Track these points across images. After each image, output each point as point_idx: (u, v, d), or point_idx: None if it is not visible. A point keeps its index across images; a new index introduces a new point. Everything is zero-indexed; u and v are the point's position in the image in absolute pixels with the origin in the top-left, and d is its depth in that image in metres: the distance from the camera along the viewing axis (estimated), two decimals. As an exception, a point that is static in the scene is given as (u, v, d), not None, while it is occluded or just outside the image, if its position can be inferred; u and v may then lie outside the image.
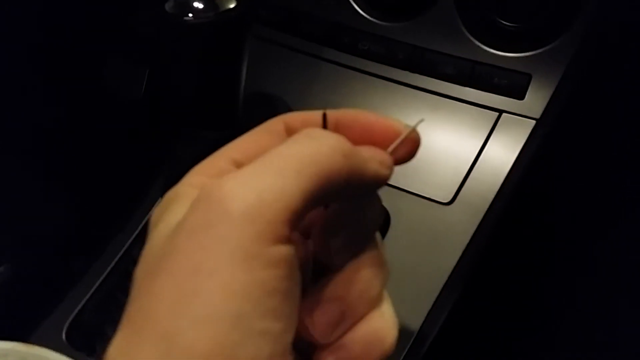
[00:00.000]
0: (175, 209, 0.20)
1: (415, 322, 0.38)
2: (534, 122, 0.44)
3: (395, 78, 0.48)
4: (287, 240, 0.18)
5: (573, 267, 0.52)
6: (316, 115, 0.22)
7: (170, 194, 0.21)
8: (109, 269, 0.46)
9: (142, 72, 0.57)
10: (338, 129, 0.22)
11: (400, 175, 0.46)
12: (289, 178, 0.18)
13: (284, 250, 0.18)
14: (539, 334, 0.51)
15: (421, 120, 0.22)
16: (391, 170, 0.22)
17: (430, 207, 0.43)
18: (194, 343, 0.16)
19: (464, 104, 0.46)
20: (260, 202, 0.17)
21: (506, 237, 0.44)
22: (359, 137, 0.22)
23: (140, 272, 0.19)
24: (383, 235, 0.36)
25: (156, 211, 0.21)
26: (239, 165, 0.21)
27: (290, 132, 0.22)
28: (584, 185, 0.50)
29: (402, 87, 0.47)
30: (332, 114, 0.22)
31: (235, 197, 0.17)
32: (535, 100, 0.44)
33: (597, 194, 0.50)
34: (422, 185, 0.43)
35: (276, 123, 0.23)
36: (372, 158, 0.21)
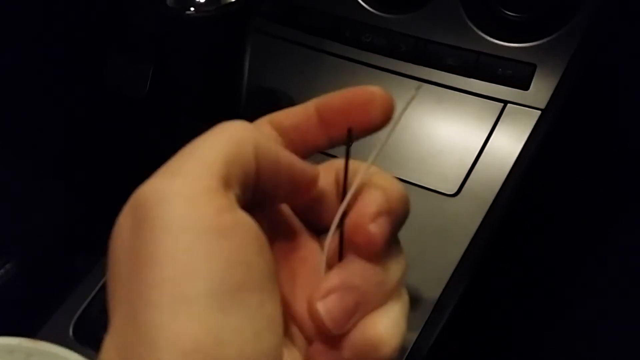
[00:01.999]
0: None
1: (423, 314, 0.38)
2: (539, 112, 0.44)
3: (398, 70, 0.48)
4: (230, 209, 0.18)
5: (579, 256, 0.52)
6: (295, 109, 0.24)
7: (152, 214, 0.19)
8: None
9: (146, 69, 0.57)
10: (322, 114, 0.24)
11: (406, 168, 0.46)
12: (207, 151, 0.19)
13: (229, 218, 0.18)
14: (545, 326, 0.51)
15: (420, 86, 0.22)
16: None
17: (435, 198, 0.42)
18: (177, 335, 0.16)
19: (469, 95, 0.46)
20: (187, 182, 0.18)
21: (512, 228, 0.44)
22: (342, 113, 0.23)
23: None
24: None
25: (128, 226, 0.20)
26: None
27: (276, 127, 0.24)
28: (589, 175, 0.50)
29: (405, 79, 0.47)
30: (314, 102, 0.24)
31: (162, 188, 0.18)
32: (540, 91, 0.44)
33: (602, 184, 0.50)
34: (427, 177, 0.43)
35: (262, 123, 0.24)
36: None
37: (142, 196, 0.18)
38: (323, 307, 0.19)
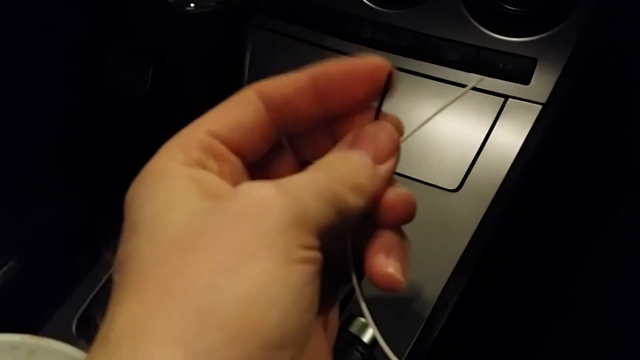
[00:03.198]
0: (164, 191, 0.20)
1: (425, 309, 0.38)
2: (540, 106, 0.44)
3: (399, 65, 0.47)
4: (317, 249, 0.20)
5: (582, 250, 0.52)
6: (286, 79, 0.23)
7: (151, 169, 0.21)
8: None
9: (146, 68, 0.57)
10: (318, 82, 0.23)
11: (407, 164, 0.46)
12: (320, 204, 0.20)
13: (315, 254, 0.19)
14: (548, 320, 0.51)
15: (480, 80, 0.23)
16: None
17: (437, 194, 0.42)
18: (231, 320, 0.17)
19: (469, 90, 0.46)
20: (303, 214, 0.19)
21: (514, 222, 0.44)
22: (340, 84, 0.23)
23: (148, 246, 0.19)
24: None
25: (136, 186, 0.21)
26: (216, 136, 0.22)
27: (264, 99, 0.23)
28: (592, 169, 0.50)
29: (406, 74, 0.47)
30: (310, 71, 0.23)
31: (284, 202, 0.19)
32: (541, 85, 0.44)
33: (605, 177, 0.50)
34: (429, 173, 0.43)
35: (248, 93, 0.23)
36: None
37: (265, 195, 0.19)
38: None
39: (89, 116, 0.57)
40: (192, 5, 0.38)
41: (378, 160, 0.22)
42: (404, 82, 0.47)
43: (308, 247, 0.19)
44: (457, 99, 0.24)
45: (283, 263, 0.18)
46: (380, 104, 0.23)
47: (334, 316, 0.25)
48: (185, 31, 0.40)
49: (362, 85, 0.23)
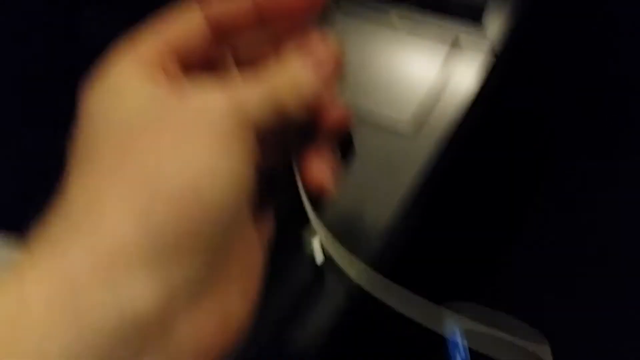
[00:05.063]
0: (120, 84, 0.21)
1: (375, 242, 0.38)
2: (490, 44, 0.44)
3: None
4: (256, 145, 0.22)
5: (527, 195, 0.52)
6: (231, 4, 0.24)
7: (105, 70, 0.22)
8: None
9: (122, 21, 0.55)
10: (262, 8, 0.24)
11: (362, 99, 0.45)
12: (263, 108, 0.22)
13: (253, 147, 0.21)
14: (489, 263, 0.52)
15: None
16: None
17: (390, 135, 0.42)
18: (179, 192, 0.19)
19: (422, 27, 0.45)
20: (245, 116, 0.21)
21: (468, 162, 0.44)
22: (282, 3, 0.24)
23: (102, 129, 0.20)
24: (347, 159, 0.36)
25: (90, 88, 0.22)
26: (167, 45, 0.23)
27: (209, 19, 0.24)
28: (544, 106, 0.50)
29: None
30: None
31: (229, 104, 0.21)
32: (493, 24, 0.44)
33: (553, 120, 0.51)
34: (381, 110, 0.42)
35: (193, 14, 0.24)
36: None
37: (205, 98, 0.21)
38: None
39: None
40: None
41: (319, 69, 0.24)
42: (358, 18, 0.46)
43: (247, 140, 0.21)
44: None
45: (226, 149, 0.20)
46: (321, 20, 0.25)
47: (268, 225, 0.25)
48: None
49: (302, 6, 0.24)
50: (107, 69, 0.22)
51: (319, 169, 0.24)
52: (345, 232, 0.38)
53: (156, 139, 0.20)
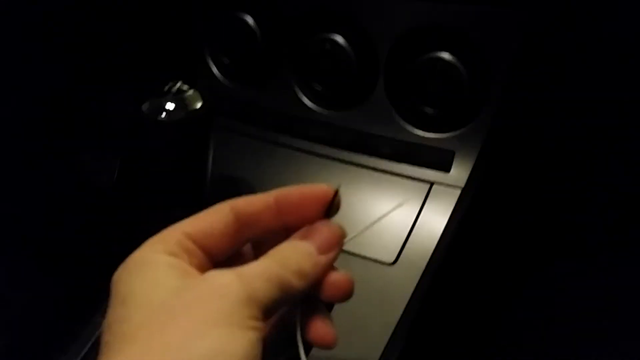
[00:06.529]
0: (149, 273, 0.26)
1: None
2: (459, 190, 0.52)
3: (341, 158, 0.56)
4: (263, 320, 0.25)
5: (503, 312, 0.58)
6: (255, 198, 0.29)
7: (136, 259, 0.26)
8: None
9: (114, 162, 0.63)
10: (280, 202, 0.29)
11: (350, 241, 0.53)
12: (269, 287, 0.25)
13: (261, 324, 0.25)
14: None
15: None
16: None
17: (375, 267, 0.49)
18: None
19: (401, 178, 0.54)
20: (254, 294, 0.25)
21: (445, 289, 0.51)
22: (298, 204, 0.29)
23: (135, 314, 0.24)
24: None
25: (123, 272, 0.26)
26: (189, 237, 0.27)
27: (235, 212, 0.29)
28: (505, 243, 0.57)
29: (347, 165, 0.55)
30: (275, 193, 0.29)
31: (240, 286, 0.24)
32: (460, 172, 0.52)
33: (516, 247, 0.58)
34: (368, 248, 0.50)
35: (223, 206, 0.29)
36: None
37: (217, 281, 0.25)
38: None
39: (60, 208, 0.61)
40: (163, 115, 0.45)
41: (321, 250, 0.28)
42: (345, 172, 0.55)
43: (257, 319, 0.24)
44: (386, 214, 0.31)
45: (237, 329, 0.24)
46: (328, 212, 0.29)
47: None
48: (157, 137, 0.47)
49: (314, 204, 0.29)
50: (140, 260, 0.26)
51: (321, 325, 0.28)
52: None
53: (181, 326, 0.23)
